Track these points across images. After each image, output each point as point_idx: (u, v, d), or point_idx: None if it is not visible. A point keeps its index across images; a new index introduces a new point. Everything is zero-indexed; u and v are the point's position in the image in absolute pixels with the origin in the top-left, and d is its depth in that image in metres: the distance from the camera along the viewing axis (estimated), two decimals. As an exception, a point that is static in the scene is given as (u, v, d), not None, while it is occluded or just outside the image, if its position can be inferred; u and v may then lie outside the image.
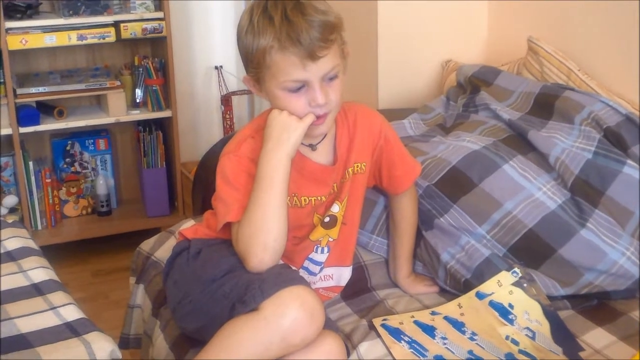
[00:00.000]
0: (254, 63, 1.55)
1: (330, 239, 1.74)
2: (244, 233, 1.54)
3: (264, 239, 1.52)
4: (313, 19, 1.49)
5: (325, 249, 1.74)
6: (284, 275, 1.52)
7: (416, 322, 1.71)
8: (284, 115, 1.56)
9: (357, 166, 1.73)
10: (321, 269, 1.76)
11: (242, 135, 1.66)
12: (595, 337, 1.66)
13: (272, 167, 1.54)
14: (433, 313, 1.76)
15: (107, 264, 3.19)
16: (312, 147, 1.66)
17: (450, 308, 1.78)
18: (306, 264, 1.74)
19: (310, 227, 1.71)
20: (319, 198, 1.69)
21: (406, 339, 1.65)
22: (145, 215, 3.38)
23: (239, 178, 1.59)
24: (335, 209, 1.73)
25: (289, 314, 1.43)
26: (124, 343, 2.08)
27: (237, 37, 1.58)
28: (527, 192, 1.87)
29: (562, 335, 1.67)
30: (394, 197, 1.89)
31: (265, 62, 1.52)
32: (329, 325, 1.56)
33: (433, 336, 1.66)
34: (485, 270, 1.80)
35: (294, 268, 1.72)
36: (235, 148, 1.63)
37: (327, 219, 1.72)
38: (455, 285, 1.84)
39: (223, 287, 1.55)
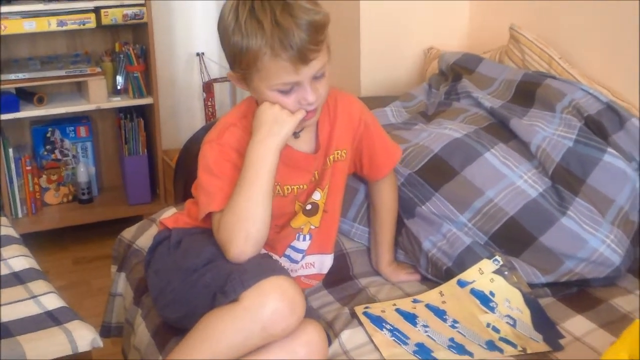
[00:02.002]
0: (242, 64, 1.52)
1: (312, 227, 1.74)
2: (227, 222, 1.53)
3: (246, 230, 1.52)
4: (303, 22, 1.46)
5: (307, 237, 1.74)
6: (265, 265, 1.52)
7: (398, 310, 1.72)
8: (275, 108, 1.55)
9: (338, 153, 1.73)
10: (303, 257, 1.76)
11: (225, 123, 1.64)
12: (576, 324, 1.67)
13: (260, 158, 1.54)
14: (415, 301, 1.77)
15: (88, 252, 3.18)
16: (295, 134, 1.66)
17: (431, 296, 1.79)
18: (288, 251, 1.74)
19: (292, 215, 1.71)
20: (301, 186, 1.68)
21: (388, 326, 1.65)
22: (126, 202, 3.36)
23: (222, 167, 1.58)
24: (317, 196, 1.72)
25: (269, 304, 1.43)
26: (106, 331, 2.08)
27: (222, 34, 1.54)
28: (508, 180, 1.88)
29: (543, 322, 1.68)
30: (373, 184, 1.89)
31: (256, 66, 1.50)
32: (310, 314, 1.57)
33: (415, 324, 1.67)
34: (466, 258, 1.81)
35: (275, 257, 1.72)
36: (218, 136, 1.62)
37: (308, 207, 1.72)
38: (437, 274, 1.85)
39: (204, 277, 1.55)
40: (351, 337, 1.63)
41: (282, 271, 1.53)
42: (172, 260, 1.65)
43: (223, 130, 1.62)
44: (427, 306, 1.74)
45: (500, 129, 2.02)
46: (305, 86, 1.53)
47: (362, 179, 1.94)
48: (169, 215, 1.92)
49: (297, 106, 1.55)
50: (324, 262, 1.81)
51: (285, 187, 1.67)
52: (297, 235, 1.73)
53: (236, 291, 1.45)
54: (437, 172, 1.93)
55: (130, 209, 3.32)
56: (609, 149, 1.90)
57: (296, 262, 1.75)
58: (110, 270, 2.15)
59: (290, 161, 1.66)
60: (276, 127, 1.54)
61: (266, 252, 1.68)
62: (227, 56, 1.56)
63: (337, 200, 1.78)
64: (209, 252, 1.58)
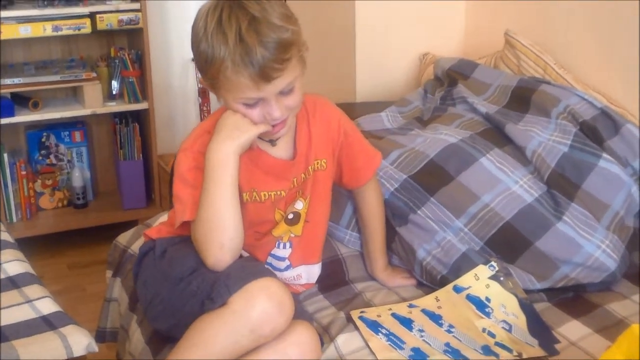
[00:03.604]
0: (208, 73, 1.51)
1: (293, 235, 1.73)
2: (199, 233, 1.54)
3: (219, 238, 1.52)
4: (268, 39, 1.43)
5: (287, 245, 1.73)
6: (249, 268, 1.52)
7: (394, 315, 1.72)
8: (238, 116, 1.54)
9: (317, 163, 1.71)
10: (287, 267, 1.75)
11: (200, 131, 1.63)
12: (571, 329, 1.67)
13: (219, 161, 1.52)
14: (411, 306, 1.77)
15: (83, 257, 3.17)
16: (272, 142, 1.65)
17: (427, 301, 1.79)
18: (269, 259, 1.73)
19: (272, 223, 1.70)
20: (278, 193, 1.67)
21: (384, 331, 1.65)
22: (121, 207, 3.35)
23: (195, 175, 1.57)
24: (299, 205, 1.72)
25: (256, 306, 1.43)
26: (101, 337, 2.07)
27: (192, 39, 1.52)
28: (504, 186, 1.88)
29: (538, 327, 1.69)
30: (357, 191, 1.87)
31: (220, 77, 1.49)
32: (302, 315, 1.57)
33: (410, 329, 1.67)
34: (462, 266, 1.81)
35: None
36: (191, 144, 1.61)
37: (290, 216, 1.71)
38: (432, 281, 1.85)
39: (190, 285, 1.55)
40: (347, 341, 1.63)
41: (268, 273, 1.53)
42: (159, 271, 1.65)
43: (197, 138, 1.61)
44: (423, 311, 1.74)
45: (495, 134, 2.03)
46: (270, 102, 1.51)
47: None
48: (163, 221, 1.92)
49: (262, 120, 1.54)
50: (312, 272, 1.80)
51: (262, 193, 1.66)
52: (277, 243, 1.72)
53: (223, 296, 1.46)
54: (433, 177, 1.93)
55: (125, 214, 3.31)
56: (604, 155, 1.91)
57: (279, 269, 1.74)
58: (105, 275, 2.14)
59: (266, 167, 1.65)
60: (236, 132, 1.53)
61: (250, 255, 1.67)
62: (195, 62, 1.55)
63: (319, 210, 1.77)
64: (193, 260, 1.57)
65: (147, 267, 1.71)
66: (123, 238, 2.13)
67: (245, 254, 1.63)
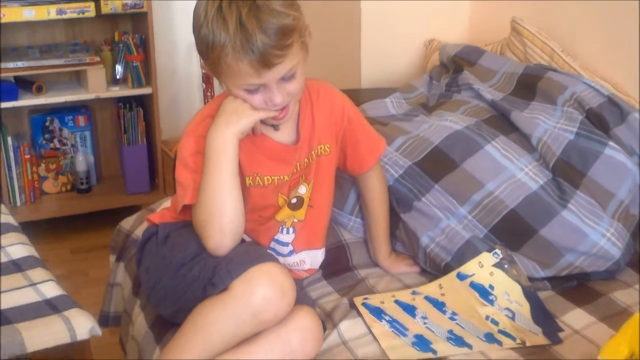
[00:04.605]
0: (209, 58, 1.50)
1: (296, 220, 1.73)
2: (198, 218, 1.54)
3: (219, 222, 1.52)
4: (268, 25, 1.42)
5: (291, 230, 1.73)
6: (251, 253, 1.52)
7: (397, 302, 1.72)
8: (238, 101, 1.54)
9: (321, 148, 1.71)
10: (290, 252, 1.74)
11: (202, 115, 1.63)
12: (575, 318, 1.67)
13: (218, 146, 1.52)
14: (414, 293, 1.77)
15: (86, 242, 3.17)
16: (275, 127, 1.64)
17: (431, 288, 1.79)
18: (272, 244, 1.73)
19: (276, 208, 1.69)
20: (281, 177, 1.67)
21: (387, 318, 1.65)
22: (125, 192, 3.35)
23: (196, 159, 1.57)
24: (302, 190, 1.71)
25: (258, 292, 1.43)
26: (104, 321, 2.07)
27: (194, 24, 1.52)
28: (509, 173, 1.87)
29: (542, 315, 1.68)
30: (361, 177, 1.86)
31: (221, 63, 1.48)
32: (304, 300, 1.56)
33: (414, 315, 1.67)
34: (466, 253, 1.80)
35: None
36: (193, 128, 1.61)
37: (294, 200, 1.71)
38: (436, 269, 1.84)
39: (192, 270, 1.55)
40: (350, 327, 1.63)
41: (269, 257, 1.53)
42: (161, 257, 1.65)
43: (199, 122, 1.61)
44: (426, 298, 1.74)
45: (501, 122, 2.02)
46: (271, 88, 1.50)
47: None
48: (166, 206, 1.91)
49: (263, 105, 1.53)
50: (315, 258, 1.80)
51: (265, 177, 1.65)
52: (280, 228, 1.72)
53: (224, 281, 1.46)
54: (437, 164, 1.92)
55: (128, 199, 3.31)
56: (610, 143, 1.90)
57: (282, 255, 1.74)
58: (109, 260, 2.14)
59: (269, 152, 1.64)
60: (234, 117, 1.52)
61: (252, 240, 1.67)
62: (196, 47, 1.54)
63: (323, 195, 1.76)
64: (196, 245, 1.57)
65: (149, 252, 1.71)
66: (126, 223, 2.13)
67: (248, 239, 1.62)
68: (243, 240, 1.60)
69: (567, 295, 1.76)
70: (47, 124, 3.32)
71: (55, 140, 3.34)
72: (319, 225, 1.78)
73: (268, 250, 1.70)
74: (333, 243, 1.89)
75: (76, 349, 1.59)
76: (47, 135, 3.33)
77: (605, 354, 1.19)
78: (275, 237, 1.72)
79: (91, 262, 3.00)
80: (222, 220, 1.52)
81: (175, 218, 1.69)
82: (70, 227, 3.26)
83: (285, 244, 1.73)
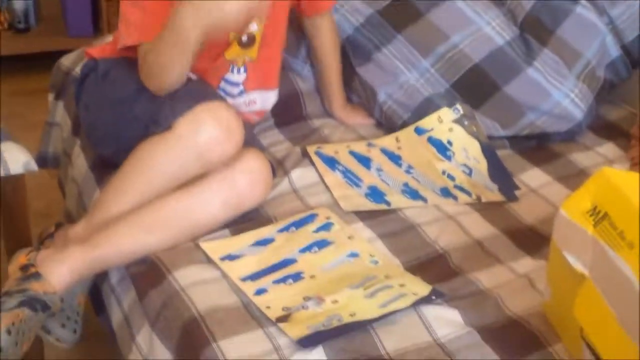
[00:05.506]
0: None
1: (248, 59, 1.62)
2: (143, 66, 1.44)
3: (162, 81, 1.42)
4: None
5: (242, 69, 1.63)
6: (198, 91, 1.45)
7: (351, 152, 1.66)
8: None
9: None
10: (242, 92, 1.65)
11: None
12: (532, 177, 1.64)
13: (184, 29, 1.36)
14: (369, 145, 1.70)
15: (25, 85, 3.02)
16: None
17: (387, 141, 1.73)
18: (222, 85, 1.63)
19: (225, 45, 1.58)
20: None
21: (340, 168, 1.60)
22: (66, 34, 3.17)
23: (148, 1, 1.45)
24: (254, 27, 1.60)
25: (203, 131, 1.36)
26: (42, 161, 1.97)
27: None
28: (475, 26, 1.79)
29: (499, 173, 1.65)
30: (312, 22, 1.78)
31: None
32: (253, 143, 1.50)
33: (368, 167, 1.61)
34: (426, 111, 1.73)
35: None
36: None
37: (244, 38, 1.59)
38: (392, 127, 1.77)
39: (133, 108, 1.47)
40: (302, 176, 1.57)
41: (216, 96, 1.46)
42: (101, 93, 1.57)
43: None
44: (382, 150, 1.68)
45: (469, -27, 1.92)
46: None
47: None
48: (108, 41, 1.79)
49: None
50: (267, 99, 1.70)
51: None
52: (231, 67, 1.62)
53: (168, 119, 1.39)
54: (402, 12, 1.83)
55: (70, 42, 3.10)
56: (582, 1, 1.83)
57: (232, 95, 1.64)
58: (48, 99, 2.03)
59: None
60: (216, 10, 1.35)
61: (199, 79, 1.57)
62: None
63: (277, 33, 1.66)
64: (137, 81, 1.47)
65: (88, 88, 1.62)
66: (66, 59, 2.01)
67: (194, 77, 1.52)
68: (189, 79, 1.50)
69: (526, 154, 1.73)
70: (-18, -45, 3.09)
71: (-9, -26, 3.13)
72: (271, 64, 1.69)
73: (216, 90, 1.60)
74: (286, 90, 1.80)
75: (10, 185, 1.51)
76: (-19, -32, 3.11)
77: (568, 207, 1.15)
78: (226, 77, 1.62)
79: (30, 105, 2.86)
80: (166, 80, 1.42)
81: (116, 54, 1.58)
82: (6, 69, 3.09)
83: (236, 84, 1.63)
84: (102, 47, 1.66)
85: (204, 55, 1.53)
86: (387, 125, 1.78)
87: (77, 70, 1.93)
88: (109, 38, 1.95)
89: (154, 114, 1.42)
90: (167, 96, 1.43)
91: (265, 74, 1.67)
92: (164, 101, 1.42)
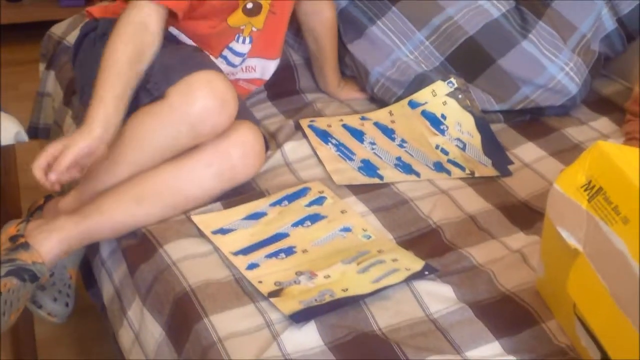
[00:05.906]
0: None
1: (254, 29, 1.60)
2: None
3: None
4: None
5: (247, 39, 1.59)
6: (192, 59, 1.41)
7: (345, 126, 1.64)
8: None
9: None
10: (243, 60, 1.63)
11: None
12: (526, 151, 1.63)
13: None
14: (363, 118, 1.69)
15: (15, 55, 2.99)
16: None
17: (381, 115, 1.71)
18: (225, 52, 1.60)
19: (230, 10, 1.54)
20: None
21: (333, 141, 1.58)
22: (58, 4, 3.13)
23: None
24: None
25: (197, 101, 1.33)
26: (32, 132, 1.96)
27: None
28: (470, -3, 1.77)
29: (493, 147, 1.64)
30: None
31: None
32: (247, 116, 1.47)
33: (361, 141, 1.60)
34: (420, 86, 1.71)
35: (211, 58, 1.58)
36: None
37: (249, 5, 1.56)
38: (386, 103, 1.75)
39: None
40: (294, 149, 1.56)
41: (211, 65, 1.42)
42: (97, 54, 1.51)
43: None
44: (376, 124, 1.67)
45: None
46: None
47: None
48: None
49: None
50: (267, 68, 1.68)
51: None
52: (237, 36, 1.58)
53: (160, 87, 1.35)
54: (397, -16, 1.80)
55: (62, 11, 3.07)
56: (578, -27, 1.80)
57: (234, 65, 1.61)
58: (39, 69, 2.00)
59: None
60: None
61: (197, 46, 1.54)
62: None
63: (285, 2, 1.63)
64: None
65: (86, 47, 1.57)
66: (58, 29, 1.99)
67: (192, 44, 1.49)
68: (186, 46, 1.47)
69: (520, 128, 1.71)
70: None
71: (-19, -58, 3.08)
72: (278, 33, 1.65)
73: (217, 59, 1.57)
74: (280, 63, 1.77)
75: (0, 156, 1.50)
76: None
77: (562, 181, 1.14)
78: (230, 45, 1.58)
79: (21, 75, 2.84)
80: None
81: (118, 14, 1.54)
82: (-1, 39, 3.07)
83: (239, 54, 1.59)
84: (104, 7, 1.62)
85: (207, 18, 1.50)
86: (381, 101, 1.77)
87: (69, 39, 1.91)
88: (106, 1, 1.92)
89: (145, 81, 1.38)
90: (160, 63, 1.39)
91: (270, 43, 1.64)
92: (157, 68, 1.38)
